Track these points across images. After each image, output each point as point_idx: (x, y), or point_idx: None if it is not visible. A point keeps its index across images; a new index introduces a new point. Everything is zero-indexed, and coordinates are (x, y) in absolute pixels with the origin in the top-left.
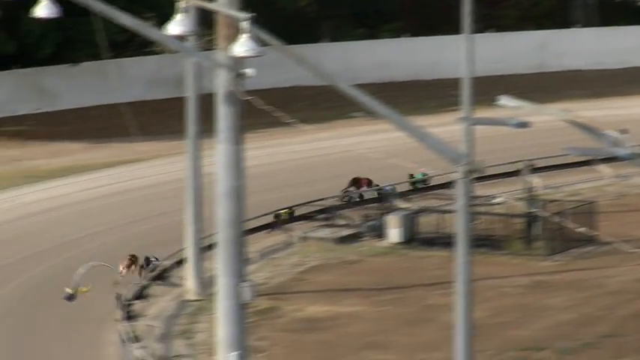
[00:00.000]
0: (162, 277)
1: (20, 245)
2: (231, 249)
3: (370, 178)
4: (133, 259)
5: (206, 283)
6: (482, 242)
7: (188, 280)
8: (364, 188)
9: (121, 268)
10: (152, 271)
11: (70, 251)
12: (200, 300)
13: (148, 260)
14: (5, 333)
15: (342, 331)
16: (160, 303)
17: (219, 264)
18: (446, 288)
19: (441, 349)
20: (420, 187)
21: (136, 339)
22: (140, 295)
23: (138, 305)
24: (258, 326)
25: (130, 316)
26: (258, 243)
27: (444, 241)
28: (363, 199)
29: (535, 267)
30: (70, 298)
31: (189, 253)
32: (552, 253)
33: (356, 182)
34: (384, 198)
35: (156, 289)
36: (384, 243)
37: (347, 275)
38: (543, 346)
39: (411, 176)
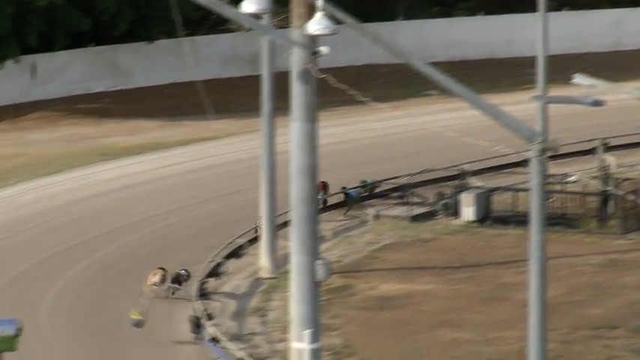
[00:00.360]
0: (236, 254)
1: (96, 222)
2: (305, 227)
3: (326, 181)
4: (164, 273)
5: (280, 261)
6: (556, 221)
7: (262, 257)
8: (320, 192)
9: (153, 281)
10: (179, 284)
11: (146, 228)
12: (274, 278)
13: (178, 276)
14: (82, 308)
15: (416, 309)
16: (234, 281)
17: (293, 242)
18: (520, 266)
19: (514, 327)
20: (368, 192)
21: (210, 316)
22: (214, 273)
23: (211, 283)
24: (332, 304)
25: (203, 294)
26: (332, 221)
27: (518, 220)
28: (326, 205)
29: (609, 245)
30: (139, 324)
31: (263, 230)
32: (626, 232)
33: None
34: (349, 201)
35: (230, 266)
36: (458, 221)
37: (421, 253)
38: (617, 325)
39: (364, 181)
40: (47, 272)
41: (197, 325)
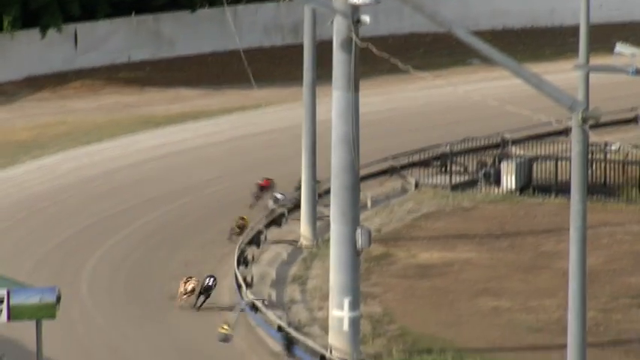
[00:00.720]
0: (277, 222)
1: (137, 191)
2: (345, 195)
3: (271, 178)
4: (196, 282)
5: (320, 230)
6: (597, 189)
7: (302, 226)
8: (267, 190)
9: (185, 289)
10: (207, 294)
11: (187, 197)
12: (314, 246)
13: (207, 288)
14: (122, 277)
15: (456, 277)
16: (274, 249)
17: (333, 210)
18: (560, 235)
19: (555, 295)
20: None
21: (250, 284)
22: (254, 241)
23: (252, 251)
24: (372, 272)
25: (244, 261)
26: (372, 189)
27: (559, 189)
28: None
29: None
30: (226, 339)
31: (304, 199)
32: None
33: (260, 187)
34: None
35: (270, 235)
36: (498, 190)
37: (461, 222)
38: None
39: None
40: (88, 241)
41: (289, 343)
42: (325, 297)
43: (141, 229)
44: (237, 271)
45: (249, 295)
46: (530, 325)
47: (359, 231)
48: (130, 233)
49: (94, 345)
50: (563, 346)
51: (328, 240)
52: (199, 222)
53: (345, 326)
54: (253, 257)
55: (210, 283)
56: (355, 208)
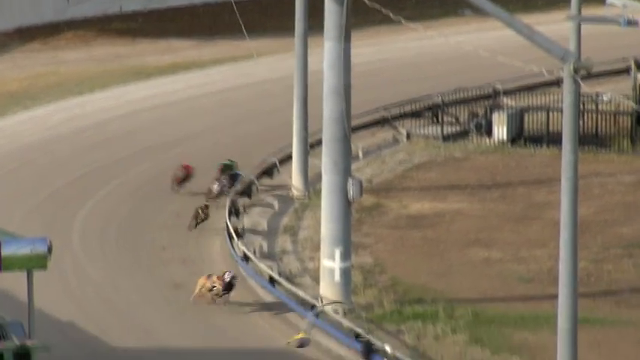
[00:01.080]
0: (268, 173)
1: (128, 142)
2: (336, 146)
3: (189, 165)
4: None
5: (312, 180)
6: (588, 140)
7: (294, 177)
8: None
9: (208, 286)
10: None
11: (178, 148)
12: (305, 197)
13: (230, 285)
14: (113, 227)
15: (447, 228)
16: (266, 200)
17: (325, 161)
18: (551, 185)
19: (546, 245)
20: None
21: (241, 235)
22: (246, 192)
23: (244, 202)
24: (363, 223)
25: (235, 212)
26: (364, 140)
27: (551, 139)
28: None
29: None
30: (304, 343)
31: (295, 150)
32: None
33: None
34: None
35: (262, 185)
36: (490, 141)
37: (453, 173)
38: None
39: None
40: (79, 191)
41: (368, 349)
42: (316, 248)
43: (132, 180)
44: (228, 221)
45: (322, 302)
46: (521, 275)
47: (350, 181)
48: (122, 184)
49: (86, 296)
50: (554, 297)
51: (320, 191)
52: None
53: (336, 277)
54: (244, 208)
55: (229, 279)
56: (347, 158)
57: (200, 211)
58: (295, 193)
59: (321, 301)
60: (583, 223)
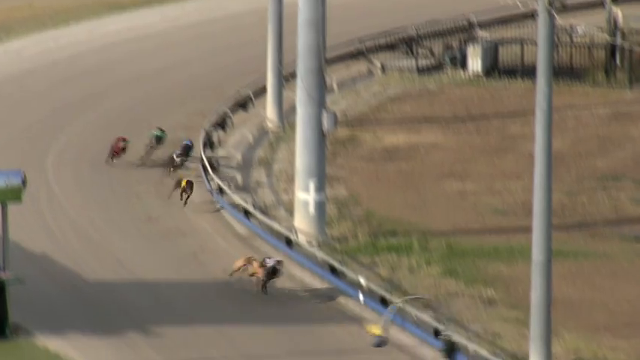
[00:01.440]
0: (243, 105)
1: (104, 74)
2: (311, 78)
3: (125, 137)
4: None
5: (286, 113)
6: (563, 72)
7: (268, 109)
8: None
9: (254, 268)
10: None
11: (153, 81)
12: (280, 129)
13: (274, 270)
14: (90, 159)
15: (422, 160)
16: (240, 132)
17: (300, 93)
18: (526, 118)
19: (520, 178)
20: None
21: (216, 167)
22: (220, 124)
23: (218, 135)
24: (338, 155)
25: (210, 144)
26: (338, 72)
27: (525, 72)
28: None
29: (616, 97)
30: (381, 343)
31: (270, 83)
32: (634, 84)
33: (114, 146)
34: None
35: (236, 118)
36: (465, 73)
37: (427, 105)
38: (622, 176)
39: (158, 137)
40: (54, 125)
41: (451, 349)
42: (291, 180)
43: (108, 113)
44: (202, 154)
45: (398, 298)
46: (496, 207)
47: (325, 114)
48: (96, 117)
49: (60, 229)
50: (529, 229)
51: (294, 123)
52: (166, 105)
53: (311, 209)
54: (219, 140)
55: (272, 266)
56: (321, 90)
57: (185, 186)
58: (270, 125)
59: (296, 234)
60: (557, 156)
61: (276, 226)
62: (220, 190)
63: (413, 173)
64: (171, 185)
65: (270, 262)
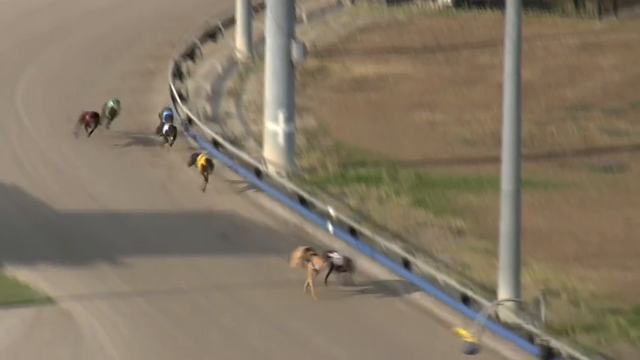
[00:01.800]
0: (212, 36)
1: (73, 6)
2: (280, 9)
3: (95, 111)
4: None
5: (255, 44)
6: (532, 2)
7: (237, 40)
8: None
9: (316, 266)
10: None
11: (123, 13)
12: (249, 60)
13: (348, 261)
14: (59, 91)
15: (391, 91)
16: (210, 63)
17: (269, 24)
18: (495, 48)
19: (490, 108)
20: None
21: (185, 98)
22: (189, 55)
23: (187, 65)
24: (307, 86)
25: (179, 75)
26: (307, 3)
27: (495, 2)
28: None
29: (585, 28)
30: (474, 350)
31: (239, 13)
32: (603, 14)
33: (82, 118)
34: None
35: (205, 49)
36: (434, 4)
37: (397, 36)
38: (591, 106)
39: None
40: (23, 56)
41: (548, 354)
42: (260, 111)
43: (77, 44)
44: (171, 85)
45: (490, 303)
46: (465, 137)
47: (294, 44)
48: (67, 48)
49: (30, 160)
50: (498, 159)
51: (263, 54)
52: (136, 36)
53: (280, 140)
54: (188, 71)
55: (337, 262)
56: (290, 21)
57: (205, 165)
58: (239, 56)
59: (265, 165)
60: (527, 86)
61: (245, 156)
62: (189, 121)
63: (382, 104)
64: (187, 162)
65: (335, 258)
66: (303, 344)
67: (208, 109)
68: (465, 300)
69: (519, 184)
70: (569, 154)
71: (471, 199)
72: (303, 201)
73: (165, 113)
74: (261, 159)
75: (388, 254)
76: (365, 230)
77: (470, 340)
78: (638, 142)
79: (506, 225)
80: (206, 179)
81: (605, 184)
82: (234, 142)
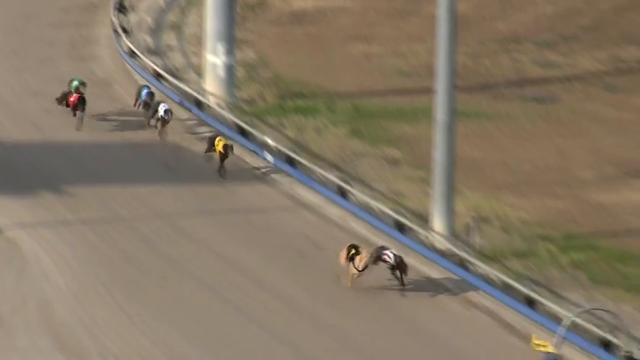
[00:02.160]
0: None
1: None
2: None
3: (80, 94)
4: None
5: None
6: None
7: None
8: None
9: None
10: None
11: None
12: None
13: (400, 260)
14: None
15: (329, 24)
16: None
17: None
18: None
19: (424, 40)
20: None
21: (128, 32)
22: None
23: None
24: (246, 20)
25: (122, 9)
26: None
27: None
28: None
29: None
30: None
31: None
32: None
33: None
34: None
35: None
36: None
37: None
38: (523, 38)
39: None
40: None
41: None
42: (201, 43)
43: None
44: (113, 18)
45: (572, 312)
46: (401, 69)
47: None
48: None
49: None
50: (432, 90)
51: None
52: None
53: (220, 72)
54: (131, 5)
55: (388, 258)
56: None
57: (224, 152)
58: None
59: (205, 97)
60: (461, 18)
61: (186, 88)
62: (132, 54)
63: (320, 37)
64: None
65: (386, 255)
66: (243, 271)
67: (150, 42)
68: (400, 227)
69: (453, 114)
70: (502, 85)
71: (406, 130)
72: (242, 131)
73: (144, 91)
74: (201, 90)
75: (325, 183)
76: (303, 160)
77: (550, 351)
78: (570, 74)
79: (441, 154)
80: (223, 166)
81: (537, 115)
82: (175, 74)
